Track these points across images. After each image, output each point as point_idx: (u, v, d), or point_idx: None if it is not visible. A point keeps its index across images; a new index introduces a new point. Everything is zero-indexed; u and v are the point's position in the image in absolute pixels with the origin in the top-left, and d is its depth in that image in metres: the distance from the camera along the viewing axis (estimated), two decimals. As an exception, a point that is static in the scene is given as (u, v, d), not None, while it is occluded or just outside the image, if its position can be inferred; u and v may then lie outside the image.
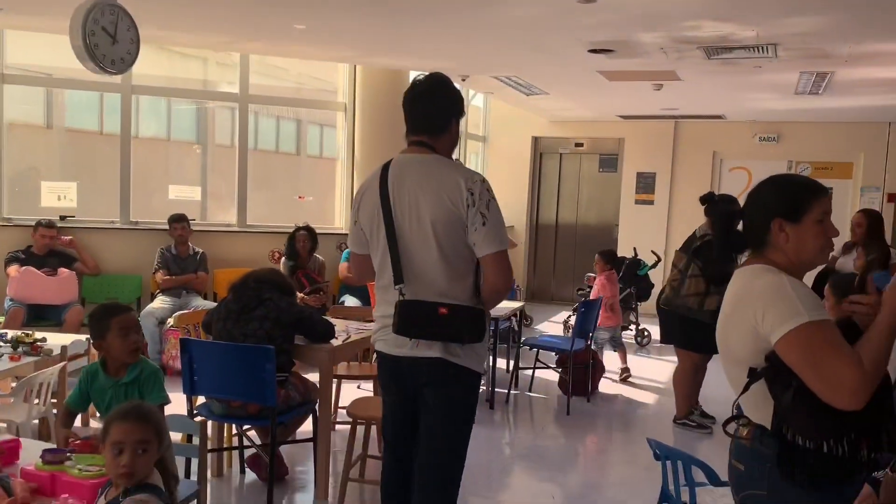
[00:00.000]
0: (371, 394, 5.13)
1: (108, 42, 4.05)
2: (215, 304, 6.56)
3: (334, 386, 4.52)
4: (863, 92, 7.26)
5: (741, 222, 2.09)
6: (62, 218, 6.83)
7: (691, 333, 5.09)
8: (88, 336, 3.64)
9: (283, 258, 7.00)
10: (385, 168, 2.74)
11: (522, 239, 11.00)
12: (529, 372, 6.34)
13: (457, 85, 8.96)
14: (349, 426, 4.33)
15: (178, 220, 6.73)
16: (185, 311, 6.36)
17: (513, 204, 11.15)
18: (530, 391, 6.33)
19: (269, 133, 8.52)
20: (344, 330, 4.27)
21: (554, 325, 8.92)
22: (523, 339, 6.39)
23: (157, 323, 6.27)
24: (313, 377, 4.16)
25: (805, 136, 9.87)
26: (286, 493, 4.07)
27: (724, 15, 4.60)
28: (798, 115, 9.39)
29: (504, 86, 7.82)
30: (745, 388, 1.92)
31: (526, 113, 10.54)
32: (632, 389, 6.59)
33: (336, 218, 8.34)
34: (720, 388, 5.96)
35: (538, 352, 6.31)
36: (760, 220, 2.00)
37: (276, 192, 8.38)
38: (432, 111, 2.74)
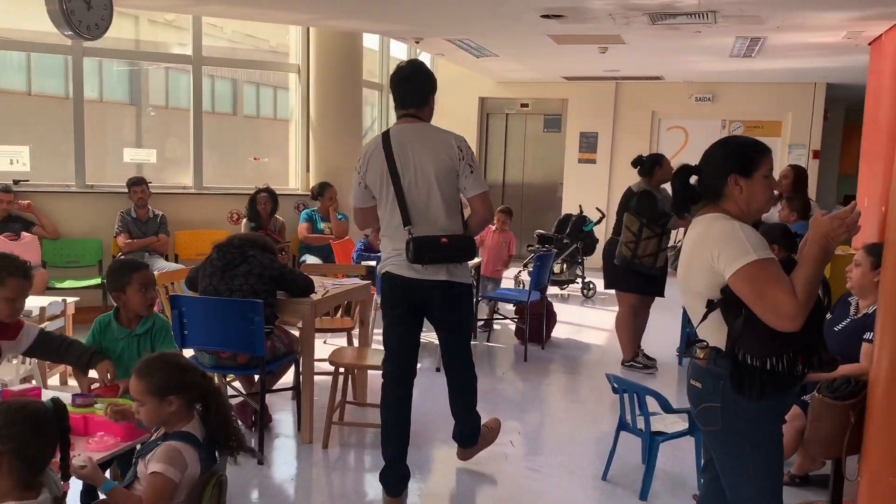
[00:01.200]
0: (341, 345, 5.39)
1: (84, 8, 4.13)
2: (177, 265, 6.74)
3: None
4: (792, 55, 7.74)
5: (696, 178, 2.42)
6: (16, 182, 6.79)
7: (633, 277, 5.60)
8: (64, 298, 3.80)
9: (245, 220, 7.15)
10: (385, 136, 3.40)
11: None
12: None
13: (407, 46, 9.16)
14: (325, 377, 4.64)
15: (137, 184, 6.78)
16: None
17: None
18: (488, 342, 6.71)
19: (223, 95, 8.54)
20: (321, 285, 4.51)
21: (504, 279, 9.28)
22: (481, 293, 6.75)
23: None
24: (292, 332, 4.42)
25: (738, 97, 10.40)
26: (272, 437, 4.33)
27: (669, -16, 4.94)
28: (731, 77, 9.89)
29: (456, 48, 8.03)
30: (704, 317, 2.27)
31: (473, 74, 10.77)
32: (582, 336, 7.04)
33: (291, 179, 8.46)
34: (661, 334, 6.49)
35: (496, 304, 6.68)
36: (718, 175, 2.32)
37: (232, 155, 8.43)
38: (416, 90, 3.47)
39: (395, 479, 3.52)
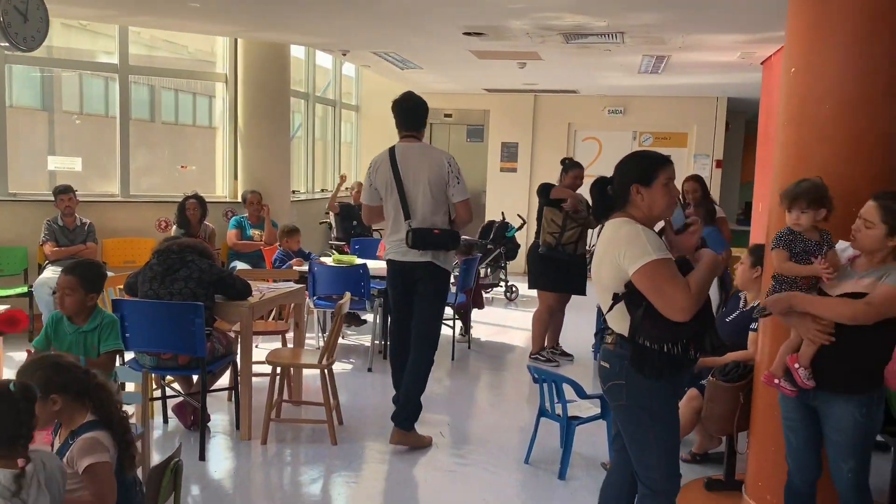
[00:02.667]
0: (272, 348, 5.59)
1: (20, 21, 4.21)
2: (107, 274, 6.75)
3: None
4: (695, 72, 8.34)
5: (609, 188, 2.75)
6: (-65, 191, 6.69)
7: (554, 277, 6.16)
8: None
9: (174, 227, 7.22)
10: (391, 151, 4.41)
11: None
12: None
13: (335, 58, 9.39)
14: (259, 378, 4.83)
15: (64, 192, 6.74)
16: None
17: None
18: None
19: (147, 103, 8.55)
20: (256, 289, 4.70)
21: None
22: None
23: (51, 292, 6.34)
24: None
25: (647, 110, 11.04)
26: (211, 436, 4.49)
27: (580, 9, 5.35)
28: (641, 91, 10.51)
29: (381, 60, 8.31)
30: (610, 308, 2.62)
31: (397, 84, 11.05)
32: (505, 336, 7.41)
33: (218, 187, 8.55)
34: (578, 330, 6.91)
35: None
36: (623, 185, 2.66)
37: (158, 162, 8.46)
38: (418, 118, 4.49)
39: (406, 416, 4.43)
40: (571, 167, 6.26)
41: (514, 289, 9.32)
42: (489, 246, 9.24)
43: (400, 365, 4.54)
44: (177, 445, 2.70)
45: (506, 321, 8.22)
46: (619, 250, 2.55)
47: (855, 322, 2.72)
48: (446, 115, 11.72)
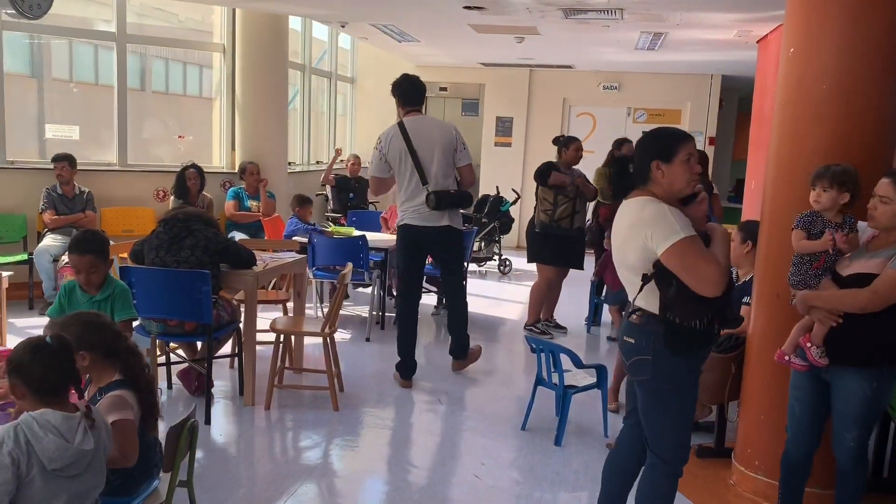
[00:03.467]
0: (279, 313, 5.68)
1: (26, -13, 4.23)
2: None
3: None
4: (691, 49, 8.40)
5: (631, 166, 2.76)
6: (-67, 157, 6.69)
7: (553, 252, 6.25)
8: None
9: (172, 197, 7.26)
10: (401, 125, 4.88)
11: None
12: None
13: (331, 30, 9.38)
14: (261, 346, 4.92)
15: (61, 160, 6.75)
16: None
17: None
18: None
19: (146, 72, 8.52)
20: (260, 259, 4.78)
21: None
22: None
23: (51, 260, 6.42)
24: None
25: (642, 86, 11.10)
26: (216, 401, 4.59)
27: (582, -16, 5.41)
28: (636, 67, 10.56)
29: (379, 32, 8.31)
30: (641, 289, 2.62)
31: (393, 57, 11.05)
32: (499, 309, 7.52)
33: (215, 157, 8.57)
34: (572, 305, 7.03)
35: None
36: (643, 162, 2.66)
37: (155, 132, 8.46)
38: (416, 94, 5.01)
39: (407, 368, 5.09)
40: (570, 141, 6.31)
41: (507, 262, 9.43)
42: (483, 220, 9.32)
43: (409, 322, 5.09)
44: (184, 409, 2.79)
45: (500, 294, 8.34)
46: (645, 231, 2.56)
47: (865, 311, 2.82)
48: (441, 89, 11.73)
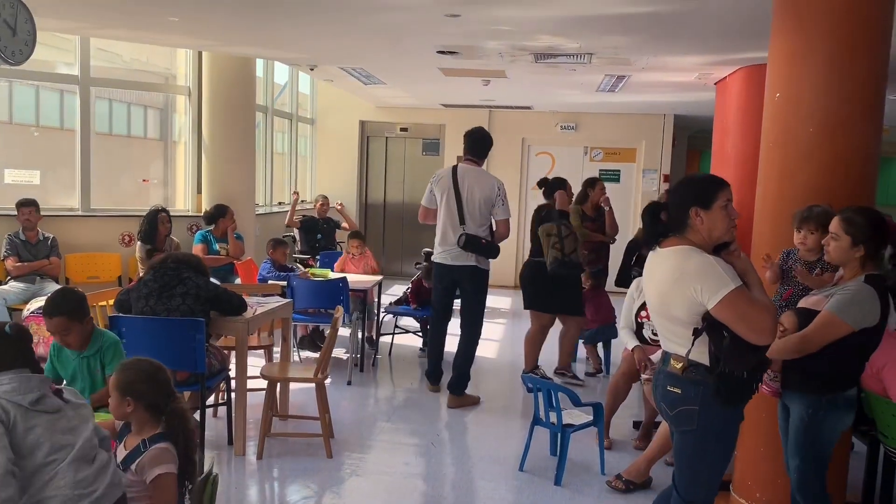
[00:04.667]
0: (262, 361, 5.58)
1: (9, 34, 4.14)
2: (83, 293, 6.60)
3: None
4: (648, 91, 8.69)
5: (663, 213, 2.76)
6: None
7: (557, 297, 6.03)
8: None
9: (140, 242, 7.10)
10: (454, 169, 5.55)
11: (353, 217, 11.62)
12: (388, 338, 7.10)
13: (291, 74, 9.40)
14: (249, 392, 4.83)
15: (27, 205, 6.57)
16: (41, 297, 6.36)
17: (342, 184, 11.72)
18: (390, 355, 7.06)
19: (106, 116, 8.37)
20: (249, 305, 4.71)
21: (388, 297, 9.63)
22: (384, 307, 7.11)
23: (3, 303, 6.19)
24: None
25: (598, 126, 11.39)
26: (206, 452, 4.46)
27: (558, 31, 5.56)
28: (593, 108, 10.85)
29: (347, 75, 8.37)
30: (693, 342, 2.58)
31: (353, 97, 11.12)
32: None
33: (180, 200, 8.44)
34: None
35: (397, 318, 7.06)
36: (680, 208, 2.65)
37: (118, 176, 8.29)
38: (481, 147, 5.69)
39: (436, 376, 5.84)
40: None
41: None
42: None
43: (437, 353, 5.81)
44: (207, 463, 2.73)
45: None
46: (693, 284, 2.52)
47: (803, 354, 2.95)
48: (402, 129, 11.83)
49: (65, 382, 3.48)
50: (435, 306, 5.81)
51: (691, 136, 13.72)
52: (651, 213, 2.83)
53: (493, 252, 5.49)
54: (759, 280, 2.69)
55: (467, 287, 5.59)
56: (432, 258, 5.70)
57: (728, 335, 2.51)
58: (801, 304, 3.03)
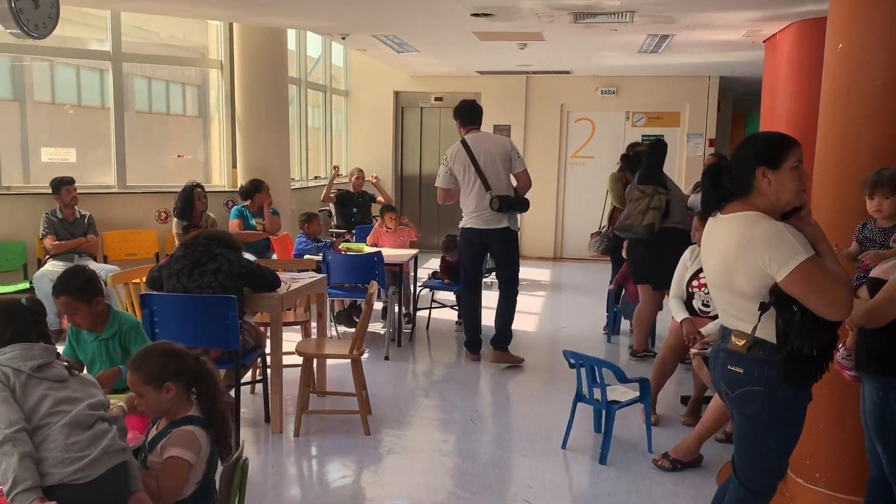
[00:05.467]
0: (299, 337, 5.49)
1: (31, 7, 4.05)
2: (110, 266, 6.61)
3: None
4: (693, 51, 8.33)
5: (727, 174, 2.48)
6: (-75, 185, 6.46)
7: (662, 268, 5.18)
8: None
9: (175, 218, 7.06)
10: (464, 142, 5.71)
11: (388, 191, 11.47)
12: (425, 312, 6.99)
13: (324, 46, 9.23)
14: (286, 369, 4.75)
15: (69, 182, 6.56)
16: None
17: (377, 156, 11.57)
18: (427, 329, 6.94)
19: (145, 94, 8.32)
20: (282, 280, 4.60)
21: (425, 271, 9.51)
22: (420, 282, 6.98)
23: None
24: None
25: (640, 90, 11.03)
26: (242, 430, 4.40)
27: (598, -12, 5.30)
28: (634, 71, 10.49)
29: (379, 43, 8.17)
30: (760, 318, 2.37)
31: (386, 68, 10.93)
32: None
33: (216, 175, 8.39)
34: (587, 314, 6.86)
35: (433, 292, 6.93)
36: (746, 169, 2.41)
37: (153, 153, 8.25)
38: (474, 115, 5.90)
39: (475, 345, 5.88)
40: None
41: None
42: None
43: (473, 321, 5.86)
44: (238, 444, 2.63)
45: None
46: (762, 255, 2.31)
47: (871, 327, 2.69)
48: (437, 99, 11.60)
49: (85, 368, 3.41)
50: (465, 274, 5.85)
51: (736, 98, 13.24)
52: (712, 175, 2.55)
53: (525, 205, 5.69)
54: (832, 250, 2.45)
55: (499, 249, 5.74)
56: (461, 225, 5.74)
57: (798, 310, 2.29)
58: (873, 273, 2.78)
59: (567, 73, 10.73)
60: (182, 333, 3.96)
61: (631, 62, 9.45)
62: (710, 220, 2.58)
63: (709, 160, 6.07)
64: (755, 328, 2.40)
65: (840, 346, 2.86)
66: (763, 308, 2.36)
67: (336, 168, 9.54)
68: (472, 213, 5.63)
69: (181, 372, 2.43)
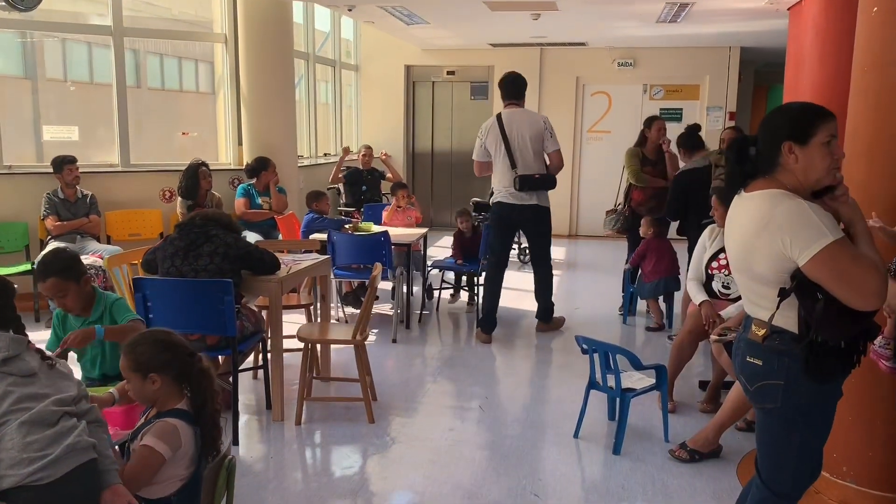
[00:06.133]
0: (303, 320, 5.33)
1: (16, -23, 3.86)
2: (112, 247, 6.47)
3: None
4: (713, 20, 8.01)
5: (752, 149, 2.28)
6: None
7: None
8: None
9: (179, 198, 6.90)
10: (499, 116, 5.68)
11: (400, 168, 11.26)
12: (436, 293, 6.81)
13: (333, 18, 8.98)
14: (287, 354, 4.60)
15: (71, 161, 6.41)
16: (84, 255, 6.24)
17: (388, 132, 11.34)
18: (437, 310, 6.77)
19: (143, 68, 8.13)
20: (282, 262, 4.43)
21: (438, 249, 9.34)
22: (430, 262, 6.80)
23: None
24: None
25: (658, 61, 10.69)
26: (242, 417, 4.26)
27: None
28: (652, 42, 10.15)
29: (387, 15, 7.92)
30: (779, 305, 2.16)
31: (397, 41, 10.66)
32: (523, 302, 7.13)
33: (222, 153, 8.21)
34: (602, 294, 6.64)
35: (443, 273, 6.74)
36: (772, 143, 2.19)
37: (157, 130, 8.08)
38: (517, 89, 5.78)
39: (489, 325, 5.84)
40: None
41: (527, 251, 9.06)
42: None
43: (492, 299, 5.80)
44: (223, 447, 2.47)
45: (522, 285, 7.95)
46: (782, 235, 2.10)
47: None
48: (449, 73, 11.33)
49: (76, 356, 3.27)
50: (492, 249, 5.85)
51: (758, 70, 12.85)
52: (738, 149, 2.32)
53: (550, 183, 5.67)
54: (869, 233, 2.22)
55: (529, 226, 5.86)
56: (493, 199, 5.78)
57: (823, 297, 2.08)
58: None
59: (582, 44, 10.42)
60: (176, 319, 3.81)
61: (648, 33, 9.13)
62: (735, 198, 2.36)
63: (727, 134, 5.80)
64: (772, 316, 2.19)
65: (880, 336, 2.64)
66: (782, 294, 2.15)
67: (346, 149, 9.32)
68: (501, 189, 5.69)
69: (167, 365, 2.31)
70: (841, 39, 5.83)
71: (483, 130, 5.73)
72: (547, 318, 6.05)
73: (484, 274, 5.99)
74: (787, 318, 2.18)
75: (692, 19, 7.86)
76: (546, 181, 5.64)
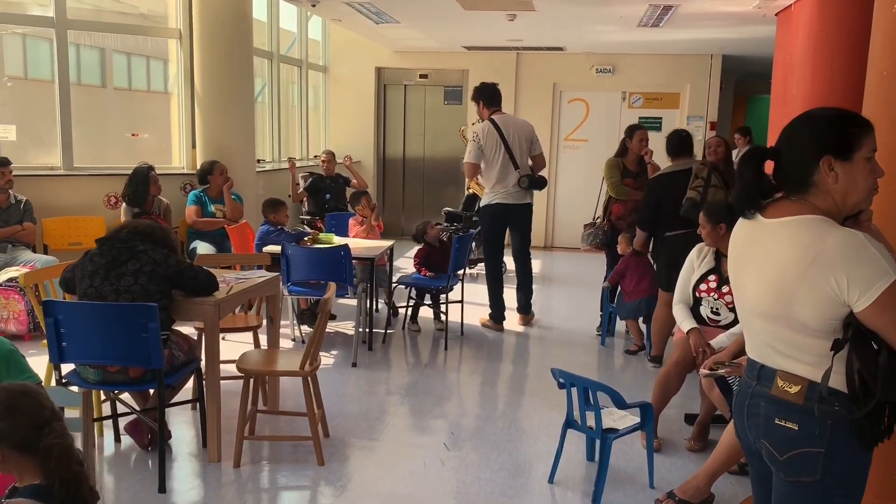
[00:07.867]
0: (251, 346, 4.84)
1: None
2: (48, 257, 5.93)
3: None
4: (697, 25, 7.65)
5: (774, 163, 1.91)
6: None
7: (672, 275, 4.54)
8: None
9: (125, 204, 6.37)
10: (493, 121, 6.01)
11: (370, 174, 10.79)
12: (402, 310, 6.33)
13: (300, 16, 8.50)
14: (230, 381, 4.13)
15: (6, 164, 5.87)
16: (14, 267, 5.70)
17: (358, 137, 10.87)
18: (403, 328, 6.30)
19: (90, 66, 7.58)
20: (222, 280, 3.94)
21: (408, 260, 8.84)
22: (395, 277, 6.33)
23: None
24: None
25: (637, 68, 10.34)
26: (173, 458, 3.76)
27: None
28: (632, 48, 9.80)
29: (354, 13, 7.47)
30: (833, 360, 1.77)
31: (368, 42, 10.21)
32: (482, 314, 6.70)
33: (175, 156, 7.68)
34: (580, 312, 6.23)
35: (410, 289, 6.27)
36: (806, 158, 1.81)
37: (101, 131, 7.51)
38: (496, 97, 6.16)
39: (500, 315, 6.25)
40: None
41: (503, 264, 8.60)
42: (474, 218, 8.50)
43: (498, 278, 6.21)
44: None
45: (475, 298, 7.44)
46: (835, 274, 1.71)
47: None
48: (422, 76, 10.89)
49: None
50: (491, 246, 6.24)
51: (738, 80, 12.58)
52: (756, 162, 1.90)
53: (545, 182, 6.19)
54: None
55: (521, 224, 6.18)
56: (485, 202, 6.12)
57: (883, 349, 1.68)
58: None
59: (560, 49, 10.03)
60: (93, 349, 3.32)
61: (628, 38, 8.77)
62: (745, 221, 1.95)
63: (714, 140, 5.34)
64: (828, 374, 1.76)
65: None
66: (836, 346, 1.75)
67: (292, 162, 8.64)
68: (501, 190, 5.97)
69: (9, 434, 1.81)
70: (834, 46, 5.48)
71: (480, 135, 5.97)
72: (529, 309, 6.39)
73: (485, 273, 6.31)
74: (836, 375, 1.77)
75: (675, 23, 7.50)
76: (543, 181, 6.13)
